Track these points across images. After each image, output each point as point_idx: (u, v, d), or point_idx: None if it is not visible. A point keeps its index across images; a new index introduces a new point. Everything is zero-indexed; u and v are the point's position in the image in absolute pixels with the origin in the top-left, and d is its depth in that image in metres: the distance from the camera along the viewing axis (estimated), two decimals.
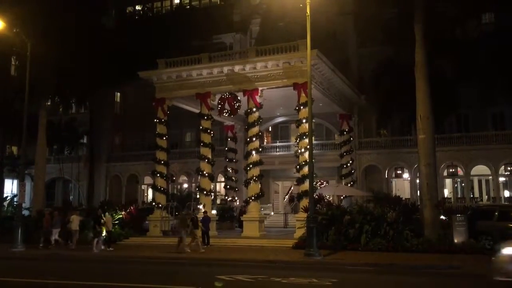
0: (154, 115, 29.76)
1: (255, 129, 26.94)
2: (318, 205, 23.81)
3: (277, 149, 40.03)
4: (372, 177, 37.62)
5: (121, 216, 28.24)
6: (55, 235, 24.80)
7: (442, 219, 22.50)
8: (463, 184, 36.57)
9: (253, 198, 26.33)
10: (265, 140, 41.18)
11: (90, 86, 34.43)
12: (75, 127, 43.76)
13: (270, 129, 41.27)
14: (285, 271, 15.22)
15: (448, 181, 37.48)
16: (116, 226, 26.31)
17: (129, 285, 12.98)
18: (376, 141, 37.90)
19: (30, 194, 37.58)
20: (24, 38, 26.12)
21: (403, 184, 38.39)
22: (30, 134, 28.50)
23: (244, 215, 27.20)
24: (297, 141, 26.48)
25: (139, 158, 43.17)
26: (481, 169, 35.41)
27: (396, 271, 16.01)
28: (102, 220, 23.14)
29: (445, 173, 36.56)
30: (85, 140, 45.75)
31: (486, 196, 36.11)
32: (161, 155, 29.40)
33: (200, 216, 24.56)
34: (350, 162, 34.41)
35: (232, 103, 27.57)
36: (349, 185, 33.33)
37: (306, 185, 23.73)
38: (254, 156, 26.70)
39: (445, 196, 35.46)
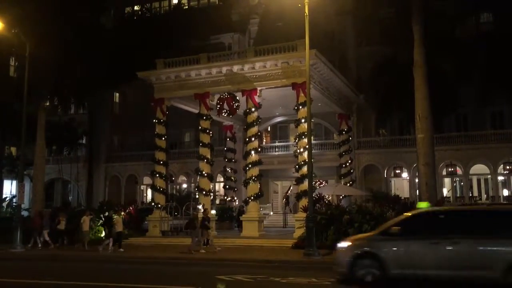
0: (153, 116, 29.76)
1: (254, 129, 26.94)
2: (317, 205, 23.84)
3: (276, 149, 40.07)
4: (371, 176, 37.67)
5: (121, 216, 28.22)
6: (43, 236, 24.71)
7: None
8: (462, 183, 36.64)
9: (252, 198, 26.34)
10: (264, 140, 41.20)
11: (89, 86, 34.38)
12: (74, 127, 43.75)
13: (269, 129, 41.30)
14: (284, 271, 15.23)
15: (447, 180, 37.55)
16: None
17: (125, 285, 12.97)
18: (375, 140, 37.94)
19: (29, 194, 37.55)
20: (23, 39, 26.10)
21: (402, 183, 38.44)
22: (29, 134, 28.46)
23: (243, 215, 27.21)
24: (296, 141, 26.49)
25: (138, 159, 43.19)
26: (480, 168, 35.47)
27: None
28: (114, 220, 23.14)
29: (444, 172, 36.62)
30: (84, 141, 45.72)
31: (485, 195, 36.18)
32: (160, 155, 29.41)
33: (200, 216, 24.54)
34: (349, 161, 34.44)
35: (231, 103, 27.56)
36: (348, 184, 33.35)
37: (305, 185, 23.73)
38: (253, 156, 26.71)
39: (444, 195, 35.52)
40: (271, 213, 38.80)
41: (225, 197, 35.67)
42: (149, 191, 40.47)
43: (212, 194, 31.68)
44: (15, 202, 32.36)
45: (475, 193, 36.55)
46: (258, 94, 27.19)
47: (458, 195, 36.66)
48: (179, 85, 28.97)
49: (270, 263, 17.61)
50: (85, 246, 23.07)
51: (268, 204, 38.94)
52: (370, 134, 38.42)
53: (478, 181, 36.84)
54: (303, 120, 25.17)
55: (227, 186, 35.48)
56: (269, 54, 26.74)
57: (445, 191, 36.64)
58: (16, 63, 34.26)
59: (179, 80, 28.90)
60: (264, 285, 12.73)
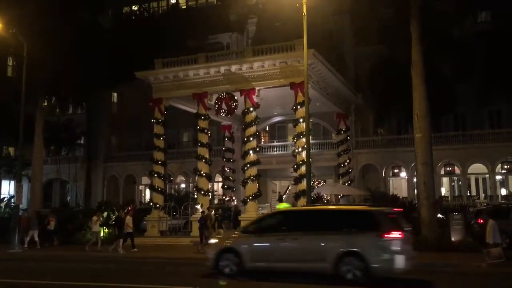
0: (151, 115, 29.74)
1: (252, 129, 26.94)
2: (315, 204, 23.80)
3: (275, 149, 40.06)
4: (369, 176, 37.70)
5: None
6: (31, 236, 24.64)
7: (439, 217, 22.57)
8: (460, 183, 36.67)
9: (250, 197, 26.33)
10: (263, 140, 41.20)
11: (87, 86, 34.40)
12: (72, 127, 43.65)
13: (267, 129, 41.28)
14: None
15: (445, 180, 37.59)
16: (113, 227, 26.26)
17: (121, 285, 12.95)
18: (373, 140, 37.96)
19: (27, 195, 37.51)
20: (20, 39, 26.08)
21: (400, 183, 38.46)
22: (27, 135, 28.41)
23: (241, 215, 27.19)
24: (294, 140, 26.51)
25: (137, 159, 43.10)
26: (478, 168, 35.51)
27: None
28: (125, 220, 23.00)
29: (442, 172, 36.66)
30: (82, 141, 45.63)
31: (483, 195, 36.23)
32: (159, 155, 29.38)
33: (198, 216, 24.53)
34: (347, 161, 34.46)
35: (229, 103, 27.55)
36: (346, 184, 33.37)
37: (303, 185, 23.73)
38: (252, 155, 26.71)
39: (442, 194, 35.57)
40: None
41: (224, 197, 35.67)
42: (148, 191, 40.43)
43: (210, 194, 31.66)
44: (13, 203, 32.29)
45: (473, 193, 36.60)
46: (256, 93, 27.19)
47: (456, 194, 36.70)
48: (177, 85, 28.95)
49: None
50: (98, 245, 22.75)
51: (266, 204, 38.88)
52: (368, 133, 38.44)
53: (476, 180, 36.88)
54: (301, 120, 25.18)
55: (226, 186, 35.48)
56: (267, 53, 26.75)
57: (443, 191, 36.69)
58: (14, 63, 34.23)
59: (177, 80, 28.88)
60: (262, 285, 12.71)
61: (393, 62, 26.74)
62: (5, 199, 39.53)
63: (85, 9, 32.98)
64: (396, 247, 11.96)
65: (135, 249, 22.17)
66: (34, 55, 25.97)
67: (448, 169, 36.84)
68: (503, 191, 35.49)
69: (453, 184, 37.48)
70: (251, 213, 26.30)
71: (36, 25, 27.46)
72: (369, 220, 12.48)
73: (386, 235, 11.97)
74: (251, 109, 26.88)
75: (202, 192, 27.81)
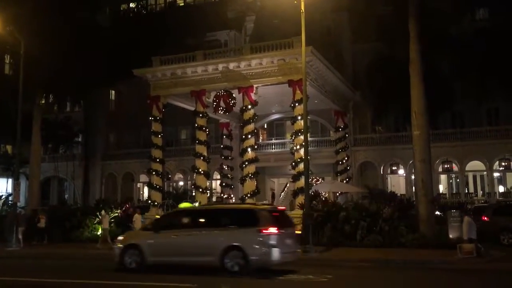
0: (149, 113, 29.70)
1: (251, 127, 26.93)
2: (313, 202, 23.86)
3: (273, 146, 40.05)
4: (367, 173, 37.72)
5: (116, 214, 28.16)
6: (19, 234, 24.54)
7: (437, 214, 22.61)
8: (458, 180, 36.74)
9: (249, 195, 26.33)
10: (261, 137, 41.17)
11: (84, 84, 34.30)
12: (70, 125, 43.59)
13: (265, 126, 41.26)
14: (281, 267, 15.20)
15: (443, 177, 37.64)
16: (112, 225, 26.26)
17: (117, 283, 12.93)
18: (371, 137, 37.97)
19: (25, 193, 37.46)
20: (17, 37, 25.98)
21: (398, 180, 38.51)
22: (25, 133, 28.38)
23: None
24: (293, 138, 26.49)
25: (135, 156, 43.06)
26: (475, 165, 35.57)
27: (391, 267, 16.10)
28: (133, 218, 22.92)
29: (440, 169, 36.70)
30: (80, 139, 45.59)
31: (481, 192, 36.32)
32: (157, 153, 29.35)
33: None
34: (346, 158, 34.45)
35: (227, 101, 27.51)
36: (344, 181, 33.38)
37: (301, 182, 23.74)
38: (250, 153, 26.70)
39: (440, 192, 35.58)
40: None
41: (222, 195, 35.65)
42: (146, 189, 40.35)
43: (208, 191, 31.66)
44: (10, 200, 32.25)
45: (471, 190, 36.65)
46: (254, 91, 27.17)
47: (454, 191, 36.76)
48: (175, 82, 28.91)
49: None
50: (108, 241, 22.36)
51: (264, 201, 38.91)
52: (366, 131, 38.44)
53: (474, 177, 36.94)
54: (299, 117, 25.17)
55: (224, 184, 35.45)
56: (265, 51, 26.71)
57: (441, 188, 36.73)
58: (11, 61, 34.14)
59: (175, 78, 28.84)
60: (260, 283, 12.72)
61: (392, 59, 26.71)
62: (3, 197, 39.49)
63: (83, 6, 32.87)
64: (272, 241, 13.04)
65: None
66: (32, 53, 25.89)
67: (446, 166, 36.90)
68: (501, 188, 35.56)
69: (451, 181, 37.55)
70: None
71: (33, 23, 27.37)
72: (251, 217, 13.53)
73: (264, 231, 13.09)
74: (249, 106, 26.86)
75: (200, 190, 27.82)
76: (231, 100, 27.50)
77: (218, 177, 39.22)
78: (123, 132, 46.36)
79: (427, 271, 15.23)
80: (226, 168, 35.11)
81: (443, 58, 26.34)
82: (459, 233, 19.47)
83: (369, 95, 33.30)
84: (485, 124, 35.72)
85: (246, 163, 26.63)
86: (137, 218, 23.04)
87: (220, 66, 27.46)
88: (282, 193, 42.14)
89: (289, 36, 26.10)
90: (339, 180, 33.77)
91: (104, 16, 40.97)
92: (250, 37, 40.43)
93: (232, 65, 27.16)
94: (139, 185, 44.99)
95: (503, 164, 35.67)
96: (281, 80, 26.33)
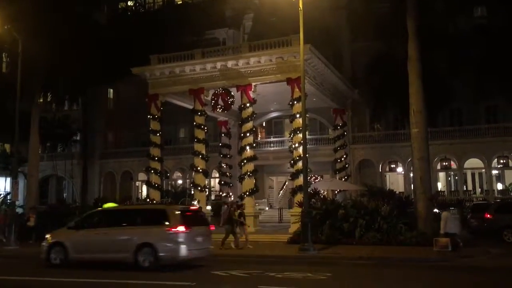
0: (148, 112, 29.66)
1: (249, 125, 26.91)
2: (312, 200, 23.86)
3: (271, 144, 40.08)
4: (366, 171, 37.76)
5: None
6: (7, 233, 24.44)
7: (435, 212, 22.63)
8: (456, 178, 36.82)
9: (247, 193, 26.33)
10: (259, 136, 41.19)
11: (82, 82, 34.25)
12: (68, 124, 43.56)
13: (264, 124, 41.27)
14: (280, 266, 15.24)
15: (441, 175, 37.71)
16: None
17: (114, 281, 12.94)
18: (370, 135, 38.01)
19: (24, 191, 37.39)
20: (15, 35, 25.90)
21: (396, 178, 38.57)
22: (23, 131, 28.29)
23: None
24: (291, 136, 26.48)
25: (133, 155, 43.06)
26: (474, 162, 35.64)
27: (390, 264, 16.11)
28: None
29: (438, 167, 36.77)
30: (78, 137, 45.54)
31: (479, 189, 36.38)
32: (155, 152, 29.32)
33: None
34: (344, 156, 34.46)
35: (226, 99, 27.51)
36: (343, 179, 33.38)
37: (300, 180, 23.77)
38: (248, 151, 26.69)
39: (439, 189, 35.68)
40: (267, 208, 38.83)
41: (221, 193, 35.65)
42: (144, 187, 40.31)
43: (207, 189, 31.65)
44: (9, 199, 32.19)
45: (470, 187, 36.72)
46: (252, 89, 27.16)
47: (452, 189, 36.82)
48: (173, 80, 28.88)
49: (266, 258, 17.63)
50: None
51: (263, 200, 38.97)
52: (365, 129, 38.47)
53: (473, 175, 37.02)
54: (298, 115, 25.15)
55: (223, 182, 35.42)
56: (263, 49, 26.68)
57: (439, 185, 36.80)
58: (8, 59, 34.02)
59: (173, 76, 28.80)
60: (259, 280, 12.73)
61: (390, 57, 26.72)
62: (1, 195, 39.44)
63: (81, 4, 32.78)
64: (180, 239, 14.17)
65: None
66: (29, 51, 25.81)
67: (444, 164, 36.97)
68: (499, 186, 35.62)
69: (449, 179, 37.61)
70: (248, 208, 26.29)
71: (30, 21, 27.28)
72: (162, 217, 14.65)
73: (172, 229, 14.21)
74: (248, 104, 26.84)
75: (199, 188, 27.81)
76: (229, 98, 27.50)
77: (217, 175, 39.20)
78: (121, 130, 46.34)
79: (426, 269, 15.23)
80: (224, 166, 35.10)
81: (442, 56, 26.32)
82: (457, 231, 19.54)
83: (368, 93, 33.30)
84: (484, 121, 35.78)
85: (245, 161, 26.62)
86: None
87: (219, 64, 27.43)
88: (281, 191, 42.22)
89: (288, 34, 26.06)
90: (337, 178, 33.78)
91: (102, 14, 40.91)
92: (248, 35, 40.39)
93: (230, 63, 27.13)
94: (137, 183, 45.00)
95: (501, 161, 35.73)
96: (279, 78, 26.31)
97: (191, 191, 31.42)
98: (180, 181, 43.75)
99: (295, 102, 25.46)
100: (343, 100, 35.38)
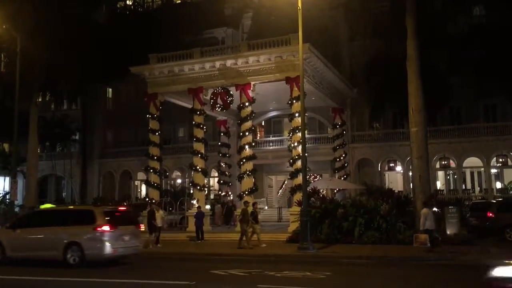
0: (147, 111, 29.64)
1: (248, 124, 26.90)
2: (311, 199, 23.87)
3: (270, 144, 40.05)
4: (365, 170, 37.76)
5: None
6: None
7: (434, 211, 22.62)
8: (455, 176, 36.81)
9: (246, 192, 26.32)
10: (258, 135, 41.15)
11: (81, 82, 34.24)
12: (67, 123, 43.51)
13: (263, 124, 41.23)
14: (279, 265, 15.26)
15: (440, 174, 37.72)
16: None
17: (112, 280, 12.95)
18: (369, 134, 38.00)
19: (23, 191, 37.39)
20: (13, 34, 25.89)
21: (396, 177, 38.56)
22: (22, 131, 28.29)
23: (237, 209, 27.17)
24: (290, 135, 26.48)
25: (132, 154, 42.99)
26: (473, 161, 35.64)
27: (389, 263, 16.13)
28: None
29: (437, 166, 36.77)
30: (77, 137, 45.49)
31: (478, 188, 36.38)
32: (154, 151, 29.30)
33: (194, 211, 24.44)
34: (343, 155, 34.49)
35: (225, 98, 27.49)
36: (342, 178, 33.42)
37: (299, 179, 23.76)
38: (247, 150, 26.67)
39: (438, 188, 35.67)
40: (266, 207, 38.83)
41: (220, 192, 35.66)
42: (143, 187, 40.34)
43: (206, 189, 31.64)
44: (8, 199, 32.19)
45: (469, 186, 36.73)
46: (251, 88, 27.12)
47: (451, 188, 36.83)
48: (172, 80, 28.85)
49: (265, 257, 17.64)
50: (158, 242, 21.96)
51: (262, 199, 38.95)
52: (364, 128, 38.46)
53: (472, 174, 37.01)
54: (297, 114, 25.13)
55: (222, 181, 35.45)
56: (262, 48, 26.66)
57: (438, 184, 36.80)
58: (7, 59, 34.02)
59: (172, 75, 28.77)
60: (259, 279, 12.73)
61: (389, 56, 26.69)
62: (1, 195, 39.45)
63: (79, 4, 32.77)
64: (105, 238, 14.97)
65: (159, 245, 21.57)
66: (28, 51, 25.81)
67: (443, 163, 36.96)
68: (498, 185, 35.64)
69: (448, 177, 37.62)
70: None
71: (29, 20, 27.27)
72: (89, 217, 15.42)
73: (98, 229, 15.07)
74: (247, 103, 26.82)
75: (198, 188, 27.79)
76: (228, 98, 27.48)
77: (216, 174, 39.22)
78: (120, 130, 46.27)
79: (425, 267, 15.25)
80: (223, 165, 35.12)
81: (441, 55, 26.32)
82: (456, 229, 19.57)
83: (367, 92, 33.28)
84: (483, 120, 35.74)
85: (244, 160, 26.61)
86: (159, 215, 22.61)
87: (217, 64, 27.41)
88: (280, 190, 42.23)
89: (286, 33, 26.03)
90: (337, 177, 33.81)
91: (101, 13, 40.86)
92: (247, 34, 40.33)
93: (229, 62, 27.12)
94: (136, 183, 44.97)
95: (500, 160, 35.73)
96: (278, 77, 26.30)
97: (190, 190, 31.41)
98: (179, 180, 43.75)
99: (294, 101, 25.45)
100: (342, 99, 35.37)
